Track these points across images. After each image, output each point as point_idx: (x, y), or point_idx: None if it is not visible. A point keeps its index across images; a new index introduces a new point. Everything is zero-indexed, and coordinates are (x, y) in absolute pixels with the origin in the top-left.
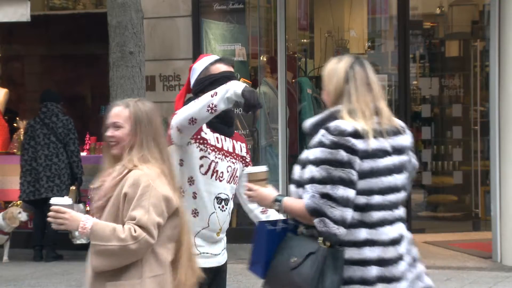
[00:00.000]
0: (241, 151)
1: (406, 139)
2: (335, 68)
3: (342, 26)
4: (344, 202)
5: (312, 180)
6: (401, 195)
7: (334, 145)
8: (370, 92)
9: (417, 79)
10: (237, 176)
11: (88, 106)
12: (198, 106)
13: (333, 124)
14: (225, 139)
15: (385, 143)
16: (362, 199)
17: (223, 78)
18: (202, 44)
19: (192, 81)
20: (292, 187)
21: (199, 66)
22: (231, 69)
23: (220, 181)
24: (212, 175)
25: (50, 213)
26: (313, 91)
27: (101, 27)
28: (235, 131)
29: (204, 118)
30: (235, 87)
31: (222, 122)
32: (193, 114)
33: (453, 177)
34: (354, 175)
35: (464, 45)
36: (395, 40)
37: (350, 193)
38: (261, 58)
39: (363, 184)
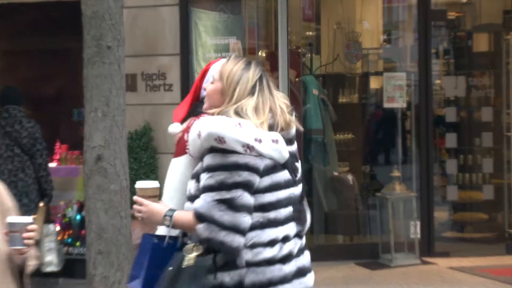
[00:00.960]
0: None
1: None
2: (241, 75)
3: (353, 17)
4: (238, 207)
5: (206, 189)
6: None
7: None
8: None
9: (440, 78)
10: None
11: (58, 110)
12: (238, 133)
13: None
14: None
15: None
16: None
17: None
18: (191, 37)
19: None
20: (187, 204)
21: (213, 70)
22: None
23: None
24: None
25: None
26: (319, 91)
27: (74, 18)
28: None
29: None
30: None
31: None
32: (228, 135)
33: (482, 192)
34: (253, 178)
35: (494, 39)
36: (415, 33)
37: (247, 197)
38: (260, 53)
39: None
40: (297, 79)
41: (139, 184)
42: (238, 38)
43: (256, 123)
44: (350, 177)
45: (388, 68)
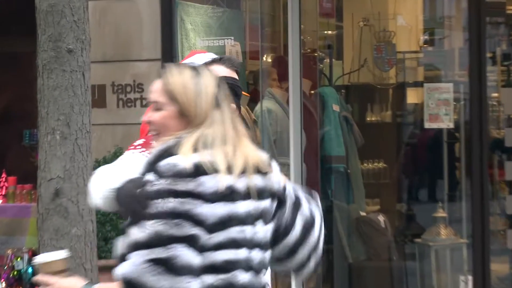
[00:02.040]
0: None
1: (268, 179)
2: (196, 84)
3: (385, 11)
4: (179, 268)
5: (136, 246)
6: (257, 254)
7: (165, 193)
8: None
9: (498, 90)
10: None
11: (4, 131)
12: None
13: (164, 163)
14: None
15: (239, 183)
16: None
17: None
18: (175, 37)
19: None
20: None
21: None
22: (235, 75)
23: None
24: None
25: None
26: (341, 107)
27: (26, 14)
28: None
29: None
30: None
31: None
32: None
33: None
34: (197, 229)
35: None
36: (464, 32)
37: (190, 255)
38: (264, 58)
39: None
40: (312, 92)
41: (41, 258)
42: (237, 39)
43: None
44: (381, 218)
45: (430, 77)
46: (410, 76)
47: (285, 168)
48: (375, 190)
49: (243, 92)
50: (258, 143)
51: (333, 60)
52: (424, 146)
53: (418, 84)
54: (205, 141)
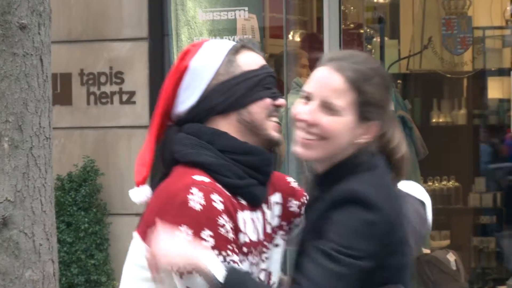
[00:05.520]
0: (279, 211)
1: None
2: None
3: None
4: None
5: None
6: None
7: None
8: None
9: None
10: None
11: None
12: None
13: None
14: (256, 212)
15: None
16: None
17: (268, 78)
18: (167, 9)
19: (196, 92)
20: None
21: (208, 60)
22: (265, 61)
23: None
24: None
25: None
26: (397, 104)
27: None
28: None
29: None
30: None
31: (261, 179)
32: None
33: None
34: None
35: None
36: None
37: None
38: (291, 37)
39: None
40: None
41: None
42: (252, 10)
43: None
44: (451, 257)
45: None
46: (493, 61)
47: None
48: (444, 219)
49: None
50: (282, 154)
51: (386, 39)
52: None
53: (503, 72)
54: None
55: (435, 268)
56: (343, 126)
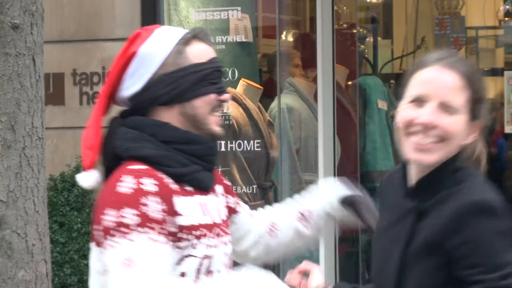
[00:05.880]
0: (224, 202)
1: None
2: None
3: None
4: None
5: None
6: None
7: None
8: None
9: None
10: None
11: None
12: None
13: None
14: (211, 200)
15: None
16: None
17: (215, 73)
18: (160, 9)
19: (141, 80)
20: None
21: (157, 48)
22: (215, 53)
23: None
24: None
25: None
26: (390, 105)
27: None
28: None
29: None
30: None
31: (203, 167)
32: None
33: None
34: None
35: None
36: None
37: None
38: (284, 36)
39: None
40: (350, 83)
41: None
42: (246, 9)
43: None
44: None
45: None
46: (485, 61)
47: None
48: None
49: (254, 84)
50: (275, 153)
51: (379, 39)
52: (504, 159)
53: (496, 72)
54: None
55: None
56: (461, 125)
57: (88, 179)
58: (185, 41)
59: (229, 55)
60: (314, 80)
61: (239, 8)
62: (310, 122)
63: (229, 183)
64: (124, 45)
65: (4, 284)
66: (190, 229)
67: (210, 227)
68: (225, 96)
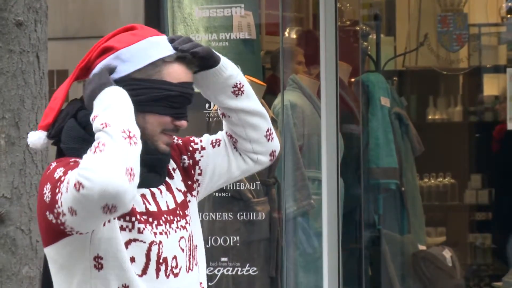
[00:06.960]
0: (182, 178)
1: None
2: None
3: None
4: None
5: None
6: None
7: None
8: None
9: None
10: (196, 246)
11: None
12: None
13: None
14: (159, 191)
15: None
16: None
17: (179, 98)
18: (164, 5)
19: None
20: None
21: (134, 61)
22: (191, 79)
23: (176, 275)
24: (157, 270)
25: None
26: (393, 101)
27: None
28: None
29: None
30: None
31: (151, 171)
32: (127, 161)
33: None
34: None
35: None
36: None
37: None
38: (287, 33)
39: None
40: (353, 80)
41: None
42: (249, 6)
43: None
44: (447, 253)
45: None
46: (488, 58)
47: (315, 184)
48: (440, 216)
49: (257, 81)
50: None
51: (382, 36)
52: (508, 155)
53: (499, 69)
54: None
55: (431, 264)
56: None
57: (36, 138)
58: (168, 61)
59: (232, 52)
60: (317, 77)
61: (242, 5)
62: (313, 119)
63: (178, 141)
64: (119, 29)
65: (8, 281)
66: (131, 214)
67: (156, 214)
68: (181, 122)
